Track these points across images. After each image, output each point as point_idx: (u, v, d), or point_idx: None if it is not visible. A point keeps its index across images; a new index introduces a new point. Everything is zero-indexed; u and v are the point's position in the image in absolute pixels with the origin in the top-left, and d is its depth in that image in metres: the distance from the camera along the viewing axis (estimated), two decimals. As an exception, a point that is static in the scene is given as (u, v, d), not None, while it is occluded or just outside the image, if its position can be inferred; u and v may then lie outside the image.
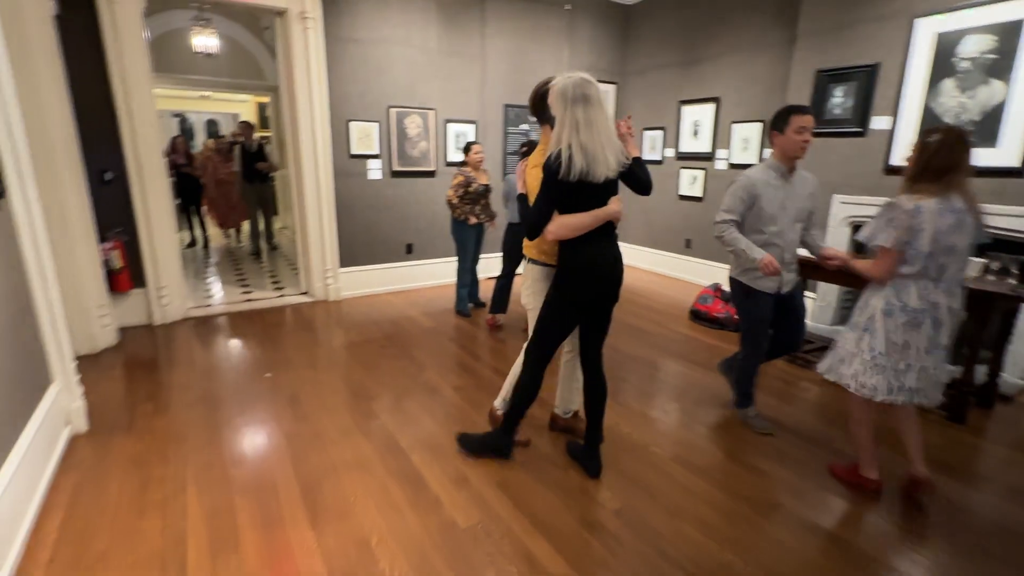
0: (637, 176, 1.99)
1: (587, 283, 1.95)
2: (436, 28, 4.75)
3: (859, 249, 3.77)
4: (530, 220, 1.91)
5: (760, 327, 2.52)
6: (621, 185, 2.01)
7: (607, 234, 1.97)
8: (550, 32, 5.43)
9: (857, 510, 2.01)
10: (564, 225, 1.88)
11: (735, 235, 2.36)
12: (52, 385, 2.31)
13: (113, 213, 3.72)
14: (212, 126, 11.76)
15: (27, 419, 2.00)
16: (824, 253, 2.36)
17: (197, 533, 1.82)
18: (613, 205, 1.92)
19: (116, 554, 1.72)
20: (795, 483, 2.17)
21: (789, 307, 2.51)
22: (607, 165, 1.84)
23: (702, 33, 5.15)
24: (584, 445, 2.24)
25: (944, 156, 1.77)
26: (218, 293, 4.92)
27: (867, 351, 1.93)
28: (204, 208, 7.26)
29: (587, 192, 1.86)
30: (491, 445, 2.27)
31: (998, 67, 3.07)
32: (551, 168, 1.81)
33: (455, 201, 4.01)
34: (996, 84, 3.09)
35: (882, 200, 3.65)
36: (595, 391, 2.15)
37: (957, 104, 3.25)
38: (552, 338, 2.08)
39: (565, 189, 1.83)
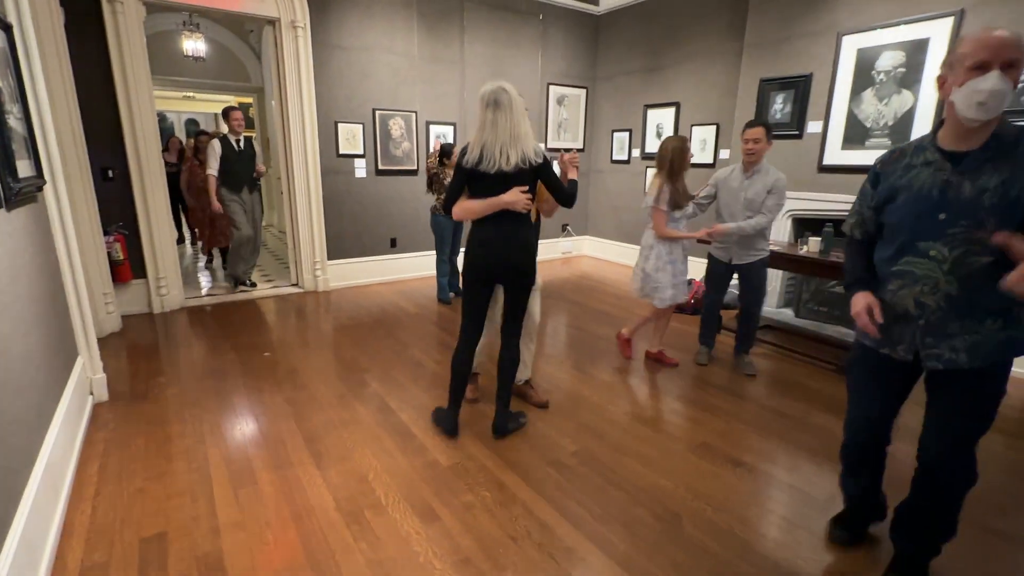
0: (554, 186, 2.25)
1: (478, 259, 2.27)
2: (418, 35, 5.10)
3: (797, 238, 4.24)
4: (445, 197, 2.31)
5: (708, 281, 3.40)
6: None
7: (506, 220, 2.21)
8: (524, 39, 5.82)
9: (768, 446, 2.44)
10: (463, 207, 2.24)
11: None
12: (79, 358, 2.61)
13: (115, 208, 3.98)
14: (192, 125, 11.88)
15: (64, 384, 2.30)
16: None
17: (219, 473, 2.15)
18: (506, 196, 2.15)
19: (152, 489, 2.04)
20: (721, 428, 2.59)
21: (745, 279, 3.25)
22: (505, 161, 2.10)
23: (664, 42, 5.60)
24: (496, 404, 2.46)
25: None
26: (211, 285, 5.19)
27: None
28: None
29: (484, 181, 2.16)
30: (439, 421, 2.53)
31: (908, 79, 3.55)
32: (460, 156, 2.21)
33: (433, 162, 4.44)
34: (906, 94, 3.57)
35: (818, 195, 4.15)
36: (502, 360, 2.42)
37: (875, 111, 3.72)
38: (467, 308, 2.38)
39: (463, 174, 2.20)
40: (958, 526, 1.58)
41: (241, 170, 4.64)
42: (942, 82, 1.38)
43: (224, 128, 4.75)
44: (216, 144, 4.53)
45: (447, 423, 2.47)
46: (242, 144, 4.64)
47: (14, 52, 2.15)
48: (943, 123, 1.42)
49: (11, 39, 2.12)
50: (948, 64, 1.36)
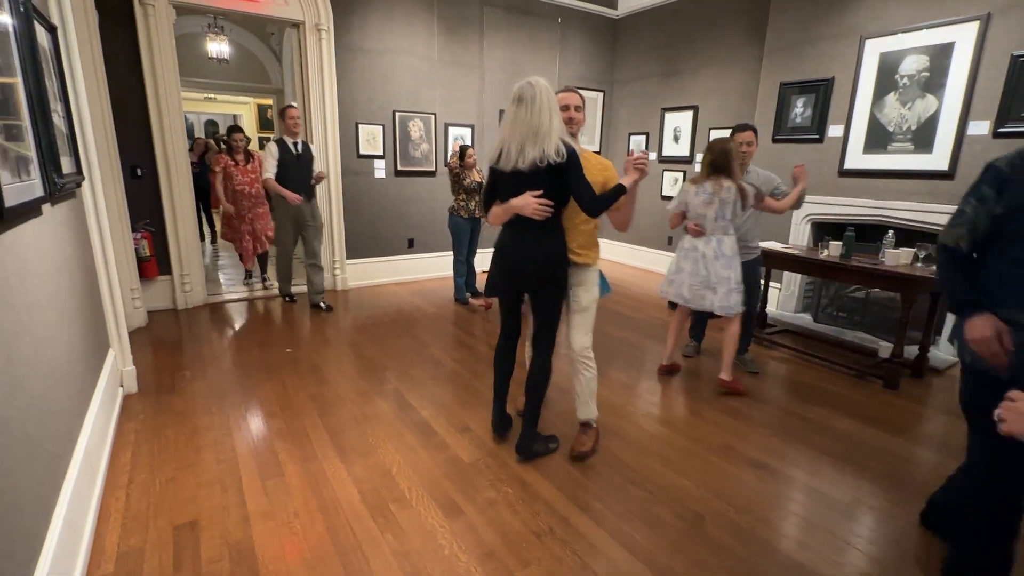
0: (576, 190, 1.98)
1: (495, 265, 2.22)
2: (438, 39, 5.16)
3: (817, 243, 4.22)
4: (482, 200, 2.23)
5: None
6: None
7: (523, 226, 2.06)
8: (543, 43, 5.86)
9: (789, 449, 2.43)
10: (491, 213, 2.17)
11: None
12: (110, 350, 2.68)
13: (142, 206, 4.08)
14: (211, 126, 12.07)
15: (98, 375, 2.37)
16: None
17: (247, 464, 2.20)
18: (516, 200, 2.00)
19: (183, 478, 2.10)
20: (742, 431, 2.59)
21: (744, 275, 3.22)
22: (521, 159, 1.96)
23: (683, 46, 5.60)
24: (522, 420, 2.29)
25: (706, 159, 2.90)
26: (231, 283, 5.28)
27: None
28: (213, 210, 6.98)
29: (504, 181, 2.05)
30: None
31: (932, 83, 3.53)
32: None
33: (455, 163, 4.48)
34: (930, 98, 3.54)
35: (838, 199, 4.12)
36: (530, 372, 2.26)
37: (898, 115, 3.70)
38: (500, 308, 2.33)
39: (491, 174, 2.12)
40: None
41: (298, 176, 4.14)
42: None
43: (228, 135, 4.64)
44: (273, 146, 4.07)
45: (493, 419, 2.45)
46: (299, 147, 4.15)
47: (57, 53, 2.23)
48: None
49: (55, 40, 2.20)
50: None
